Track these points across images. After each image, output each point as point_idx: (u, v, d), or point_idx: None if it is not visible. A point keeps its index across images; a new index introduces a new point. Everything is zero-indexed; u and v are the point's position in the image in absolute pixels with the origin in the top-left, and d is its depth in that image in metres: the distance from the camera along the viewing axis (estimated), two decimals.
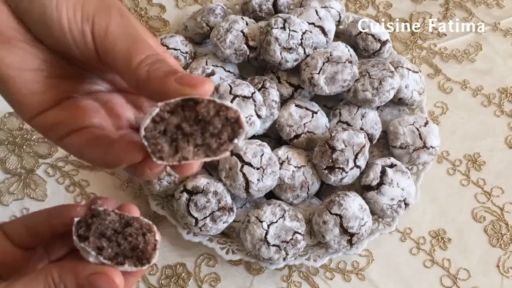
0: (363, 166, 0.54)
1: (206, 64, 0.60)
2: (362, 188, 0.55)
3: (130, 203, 0.31)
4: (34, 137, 0.63)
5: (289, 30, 0.56)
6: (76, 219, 0.29)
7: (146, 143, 0.25)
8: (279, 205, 0.52)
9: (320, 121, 0.57)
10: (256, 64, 0.62)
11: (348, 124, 0.57)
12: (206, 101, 0.25)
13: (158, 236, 0.29)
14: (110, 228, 0.29)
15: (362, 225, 0.51)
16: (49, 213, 0.32)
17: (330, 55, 0.56)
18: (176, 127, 0.25)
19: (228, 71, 0.60)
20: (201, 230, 0.51)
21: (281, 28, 0.56)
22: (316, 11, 0.61)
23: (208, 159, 0.26)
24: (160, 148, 0.25)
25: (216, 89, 0.53)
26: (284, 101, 0.58)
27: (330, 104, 0.61)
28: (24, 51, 0.30)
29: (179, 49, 0.61)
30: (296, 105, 0.57)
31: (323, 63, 0.55)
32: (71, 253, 0.34)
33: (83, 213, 0.30)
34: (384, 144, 0.60)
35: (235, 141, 0.26)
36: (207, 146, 0.26)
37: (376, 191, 0.53)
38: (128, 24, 0.28)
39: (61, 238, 0.33)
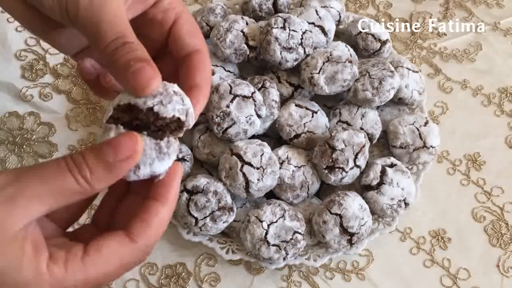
0: (363, 166, 0.54)
1: None
2: (362, 187, 0.55)
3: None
4: (34, 137, 0.63)
5: (289, 30, 0.56)
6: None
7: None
8: (279, 205, 0.52)
9: (320, 121, 0.57)
10: (256, 64, 0.62)
11: (348, 124, 0.57)
12: (145, 110, 0.30)
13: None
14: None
15: (362, 225, 0.51)
16: None
17: (330, 54, 0.56)
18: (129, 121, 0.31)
19: (228, 71, 0.60)
20: (201, 230, 0.51)
21: (281, 27, 0.56)
22: (316, 11, 0.61)
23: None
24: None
25: (216, 89, 0.53)
26: (284, 101, 0.58)
27: (330, 104, 0.61)
28: None
29: None
30: (296, 105, 0.57)
31: (323, 63, 0.55)
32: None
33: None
34: (384, 143, 0.60)
35: (180, 134, 0.31)
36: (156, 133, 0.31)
37: (376, 190, 0.53)
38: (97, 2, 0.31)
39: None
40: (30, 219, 0.28)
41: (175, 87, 0.31)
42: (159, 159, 0.30)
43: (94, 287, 0.30)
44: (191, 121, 0.31)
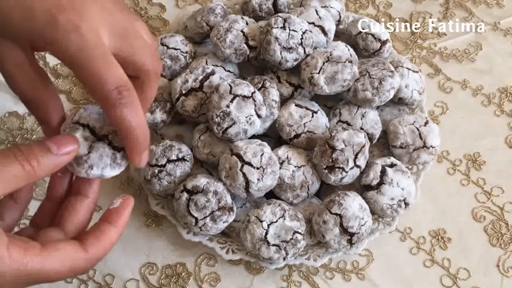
0: (363, 166, 0.54)
1: (206, 63, 0.60)
2: (362, 187, 0.55)
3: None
4: (34, 137, 0.63)
5: (289, 30, 0.56)
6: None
7: None
8: (279, 205, 0.52)
9: (320, 121, 0.57)
10: (256, 64, 0.62)
11: (348, 124, 0.57)
12: (100, 136, 0.36)
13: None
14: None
15: (362, 225, 0.51)
16: None
17: (330, 54, 0.56)
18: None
19: (228, 70, 0.60)
20: (201, 230, 0.51)
21: (281, 27, 0.56)
22: (316, 11, 0.61)
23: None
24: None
25: (216, 88, 0.53)
26: (284, 101, 0.58)
27: (330, 104, 0.61)
28: None
29: (179, 49, 0.61)
30: (296, 105, 0.57)
31: (323, 63, 0.55)
32: None
33: None
34: (384, 143, 0.60)
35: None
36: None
37: (376, 190, 0.53)
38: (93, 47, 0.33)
39: None
40: None
41: None
42: (112, 167, 0.36)
43: (43, 281, 0.32)
44: None
